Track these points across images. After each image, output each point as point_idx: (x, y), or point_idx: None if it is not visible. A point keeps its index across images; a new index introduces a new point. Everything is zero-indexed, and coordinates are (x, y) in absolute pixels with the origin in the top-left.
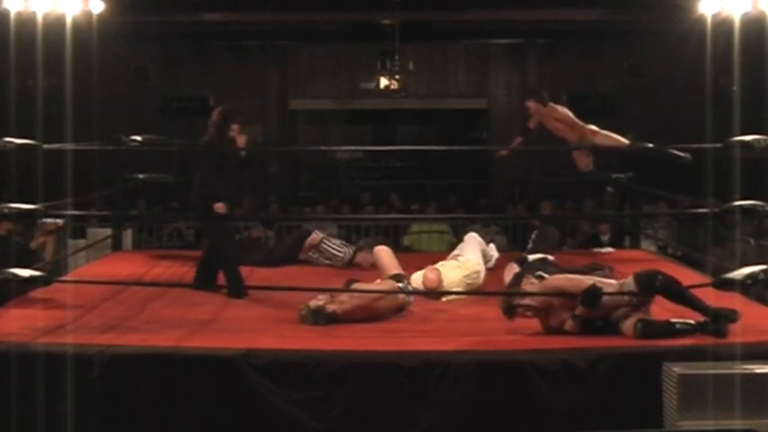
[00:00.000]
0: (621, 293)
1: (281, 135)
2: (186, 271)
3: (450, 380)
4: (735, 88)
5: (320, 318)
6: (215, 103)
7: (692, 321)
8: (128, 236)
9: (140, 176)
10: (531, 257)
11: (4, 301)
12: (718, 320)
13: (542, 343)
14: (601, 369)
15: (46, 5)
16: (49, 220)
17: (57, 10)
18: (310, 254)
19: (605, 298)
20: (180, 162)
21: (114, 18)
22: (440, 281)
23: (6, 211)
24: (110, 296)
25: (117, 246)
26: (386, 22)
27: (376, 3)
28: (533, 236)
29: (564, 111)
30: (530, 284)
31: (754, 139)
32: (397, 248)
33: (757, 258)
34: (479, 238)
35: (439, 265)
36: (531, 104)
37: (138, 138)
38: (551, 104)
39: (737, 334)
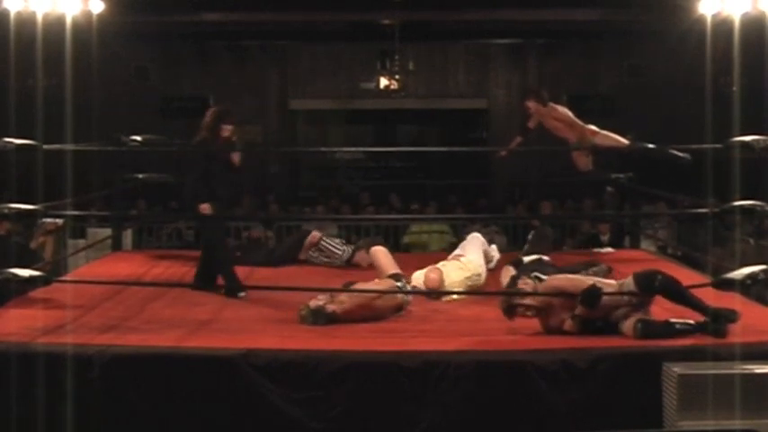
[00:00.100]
0: (621, 293)
1: (280, 135)
2: (186, 271)
3: (450, 380)
4: (735, 88)
5: (320, 318)
6: (215, 103)
7: (691, 321)
8: (127, 236)
9: (140, 176)
10: (527, 259)
11: (4, 301)
12: (718, 320)
13: (542, 343)
14: (601, 369)
15: (46, 5)
16: (49, 220)
17: (56, 10)
18: (310, 252)
19: (605, 298)
20: (179, 162)
21: (114, 18)
22: (441, 281)
23: (6, 211)
24: (109, 296)
25: (117, 246)
26: (386, 22)
27: (376, 3)
28: (530, 237)
29: (564, 111)
30: (524, 285)
31: (753, 140)
32: (398, 248)
33: (757, 258)
34: (482, 239)
35: (441, 265)
36: (531, 104)
37: (138, 138)
38: (551, 104)
39: (737, 334)
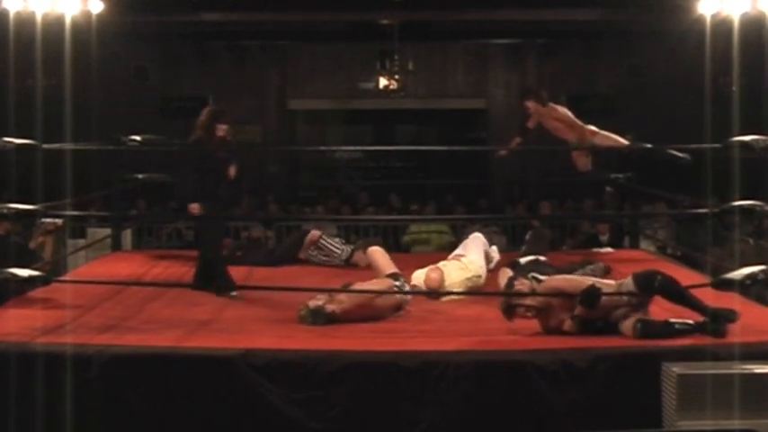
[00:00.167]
0: (620, 294)
1: (280, 135)
2: (185, 271)
3: (450, 380)
4: (734, 88)
5: (319, 318)
6: (214, 102)
7: (691, 321)
8: (127, 236)
9: (140, 176)
10: (524, 260)
11: (4, 300)
12: (718, 320)
13: (542, 343)
14: (600, 369)
15: (45, 5)
16: (49, 220)
17: (56, 10)
18: (310, 251)
19: (604, 298)
20: (178, 162)
21: (114, 18)
22: (442, 281)
23: (6, 211)
24: (109, 296)
25: (116, 246)
26: (385, 22)
27: (376, 3)
28: (527, 237)
29: (563, 111)
30: (521, 286)
31: (753, 140)
32: (397, 248)
33: (757, 258)
34: (484, 239)
35: (441, 265)
36: (531, 104)
37: (138, 138)
38: (551, 104)
39: (736, 334)
